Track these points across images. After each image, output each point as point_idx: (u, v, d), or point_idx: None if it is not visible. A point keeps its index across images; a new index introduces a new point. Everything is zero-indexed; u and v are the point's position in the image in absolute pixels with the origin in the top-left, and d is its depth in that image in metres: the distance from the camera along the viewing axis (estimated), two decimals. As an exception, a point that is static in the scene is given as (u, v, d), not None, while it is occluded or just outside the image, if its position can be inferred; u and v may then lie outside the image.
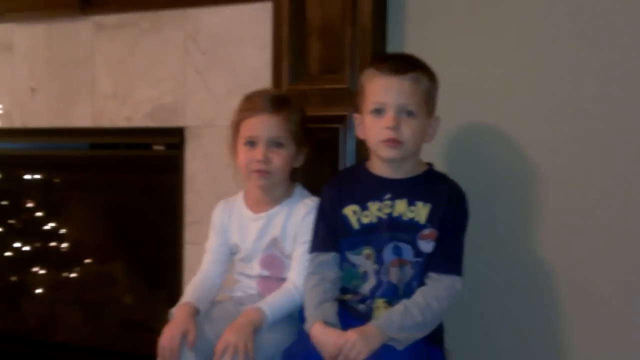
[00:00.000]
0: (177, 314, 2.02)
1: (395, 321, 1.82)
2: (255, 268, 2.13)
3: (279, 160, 2.06)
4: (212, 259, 2.19)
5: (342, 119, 2.29)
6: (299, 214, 2.08)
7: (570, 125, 2.13)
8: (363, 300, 1.96)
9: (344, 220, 1.99)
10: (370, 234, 1.96)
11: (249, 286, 2.15)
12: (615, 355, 2.11)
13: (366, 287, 1.96)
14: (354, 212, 1.99)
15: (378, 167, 2.01)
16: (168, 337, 1.96)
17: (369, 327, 1.82)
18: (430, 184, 1.97)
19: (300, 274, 2.02)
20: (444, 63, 2.07)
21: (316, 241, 2.03)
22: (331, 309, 1.91)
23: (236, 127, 2.10)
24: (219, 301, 2.16)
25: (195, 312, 2.03)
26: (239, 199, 2.18)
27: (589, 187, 2.11)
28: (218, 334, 1.98)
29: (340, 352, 1.79)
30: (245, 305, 2.03)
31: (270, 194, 2.11)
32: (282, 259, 2.10)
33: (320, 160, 2.29)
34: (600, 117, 2.10)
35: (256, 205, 2.14)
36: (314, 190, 2.15)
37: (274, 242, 2.10)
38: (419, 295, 1.88)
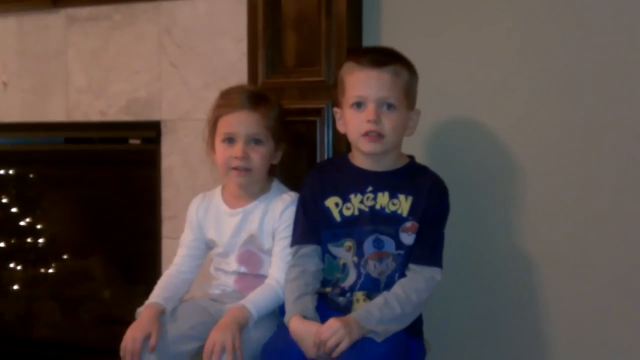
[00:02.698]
0: (142, 315, 2.00)
1: (374, 314, 1.82)
2: (232, 264, 2.12)
3: (258, 157, 2.04)
4: (185, 253, 2.17)
5: (319, 112, 2.28)
6: (277, 209, 2.07)
7: (551, 119, 2.13)
8: (343, 293, 1.95)
9: (326, 212, 1.98)
10: (352, 226, 1.96)
11: (226, 284, 2.13)
12: (595, 345, 2.13)
13: (347, 280, 1.95)
14: (336, 204, 1.98)
15: (360, 160, 2.00)
16: (130, 339, 1.95)
17: (349, 318, 1.81)
18: (412, 177, 1.97)
19: (282, 269, 2.00)
20: (420, 56, 2.06)
21: (297, 234, 2.02)
22: (310, 303, 1.90)
23: (213, 123, 2.08)
24: (191, 298, 2.14)
25: (161, 313, 2.01)
26: (216, 193, 2.16)
27: (569, 180, 2.13)
28: (183, 333, 1.98)
29: (321, 340, 1.78)
30: (226, 303, 2.02)
31: (248, 190, 2.10)
32: (260, 255, 2.09)
33: (297, 153, 2.28)
34: (581, 110, 2.11)
35: (233, 201, 2.12)
36: (291, 183, 2.15)
37: (251, 239, 2.08)
38: (399, 287, 1.88)
